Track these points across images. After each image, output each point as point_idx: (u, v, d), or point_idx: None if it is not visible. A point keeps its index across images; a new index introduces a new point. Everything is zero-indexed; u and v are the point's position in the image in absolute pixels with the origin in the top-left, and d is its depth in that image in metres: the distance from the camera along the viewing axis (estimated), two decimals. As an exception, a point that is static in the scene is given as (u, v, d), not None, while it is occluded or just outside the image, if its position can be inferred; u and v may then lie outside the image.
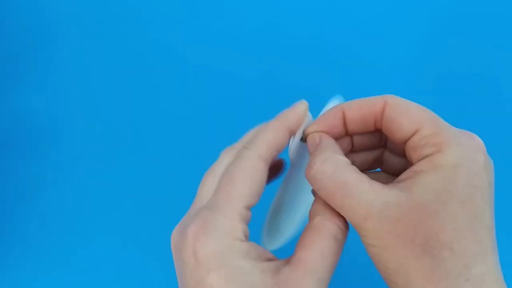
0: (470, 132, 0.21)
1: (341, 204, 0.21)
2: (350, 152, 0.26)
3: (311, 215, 0.23)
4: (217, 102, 0.46)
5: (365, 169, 0.27)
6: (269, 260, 0.21)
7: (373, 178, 0.21)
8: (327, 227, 0.22)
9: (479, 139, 0.21)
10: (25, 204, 0.43)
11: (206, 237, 0.20)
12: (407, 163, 0.23)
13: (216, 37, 0.49)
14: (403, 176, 0.21)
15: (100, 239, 0.42)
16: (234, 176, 0.22)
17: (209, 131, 0.45)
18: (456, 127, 0.22)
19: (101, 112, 0.46)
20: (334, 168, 0.21)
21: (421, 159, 0.21)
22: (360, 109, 0.23)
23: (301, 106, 0.24)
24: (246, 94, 0.46)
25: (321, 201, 0.22)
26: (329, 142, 0.23)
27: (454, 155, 0.20)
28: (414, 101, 0.23)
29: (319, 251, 0.21)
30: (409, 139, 0.21)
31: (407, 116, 0.21)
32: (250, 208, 0.22)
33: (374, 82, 0.47)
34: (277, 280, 0.20)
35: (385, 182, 0.22)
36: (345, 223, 0.22)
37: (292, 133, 0.24)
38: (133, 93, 0.47)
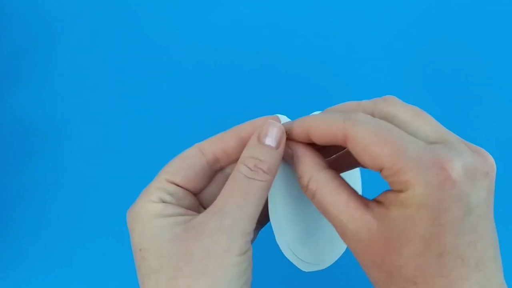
0: (443, 160, 0.19)
1: (328, 220, 0.22)
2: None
3: None
4: (216, 101, 0.46)
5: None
6: (190, 216, 0.23)
7: None
8: (237, 168, 0.23)
9: (453, 166, 0.19)
10: (25, 204, 0.43)
11: (132, 206, 0.23)
12: None
13: (216, 36, 0.49)
14: (380, 197, 0.21)
15: (100, 239, 0.42)
16: (172, 160, 0.24)
17: (210, 131, 0.45)
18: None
19: (101, 112, 0.46)
20: (315, 188, 0.22)
21: (393, 190, 0.20)
22: (323, 135, 0.22)
23: (264, 121, 0.24)
24: (244, 93, 0.46)
25: (247, 146, 0.24)
26: (306, 152, 0.23)
27: (417, 194, 0.19)
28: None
29: (226, 192, 0.22)
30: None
31: (368, 154, 0.20)
32: (173, 182, 0.23)
33: (371, 75, 0.47)
34: (187, 226, 0.22)
35: None
36: (259, 165, 0.23)
37: (244, 140, 0.24)
38: (132, 93, 0.47)
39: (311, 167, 0.23)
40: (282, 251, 0.24)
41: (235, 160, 0.24)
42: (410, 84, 0.47)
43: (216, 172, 0.25)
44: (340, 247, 0.27)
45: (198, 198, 0.25)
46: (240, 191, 0.22)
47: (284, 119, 0.25)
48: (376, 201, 0.21)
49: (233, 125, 0.42)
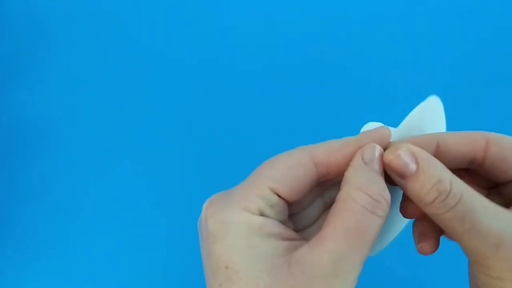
0: None
1: (469, 231, 0.19)
2: None
3: (341, 185, 0.20)
4: (215, 101, 0.46)
5: None
6: (290, 239, 0.20)
7: None
8: (353, 197, 0.19)
9: None
10: (24, 206, 0.43)
11: (218, 204, 0.20)
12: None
13: (217, 34, 0.48)
14: None
15: (100, 239, 0.42)
16: (274, 160, 0.21)
17: (209, 132, 0.45)
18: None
19: (99, 113, 0.46)
20: (462, 191, 0.19)
21: None
22: (458, 144, 0.20)
23: (382, 133, 0.21)
24: (244, 92, 0.46)
25: (352, 169, 0.20)
26: (435, 158, 0.20)
27: None
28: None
29: (341, 227, 0.18)
30: None
31: None
32: (276, 193, 0.20)
33: (379, 82, 0.47)
34: (289, 258, 0.18)
35: None
36: (382, 194, 0.19)
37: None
38: (129, 93, 0.46)
39: (446, 170, 0.19)
40: None
41: (342, 175, 0.21)
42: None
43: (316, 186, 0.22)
44: (386, 240, 0.25)
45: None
46: (358, 229, 0.18)
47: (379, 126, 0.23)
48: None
49: (235, 128, 0.41)
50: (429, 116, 0.24)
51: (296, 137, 0.43)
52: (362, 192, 0.19)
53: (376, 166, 0.20)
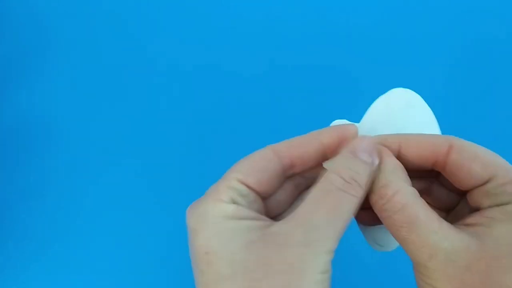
0: None
1: (406, 238, 0.20)
2: None
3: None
4: (215, 101, 0.46)
5: None
6: (264, 220, 0.21)
7: None
8: (329, 178, 0.21)
9: None
10: (24, 205, 0.43)
11: (195, 203, 0.21)
12: (456, 198, 0.23)
13: (217, 35, 0.48)
14: (471, 220, 0.20)
15: (99, 239, 0.42)
16: (242, 159, 0.22)
17: (206, 132, 0.45)
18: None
19: (99, 113, 0.46)
20: (405, 202, 0.20)
21: (494, 206, 0.20)
22: (420, 148, 0.22)
23: (346, 128, 0.23)
24: (244, 92, 0.46)
25: (336, 156, 0.22)
26: (397, 165, 0.22)
27: None
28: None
29: (314, 203, 0.20)
30: (479, 186, 0.21)
31: (479, 162, 0.20)
32: (244, 184, 0.21)
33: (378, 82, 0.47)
34: (263, 233, 0.20)
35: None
36: (354, 177, 0.21)
37: (325, 148, 0.23)
38: (128, 93, 0.46)
39: (401, 179, 0.21)
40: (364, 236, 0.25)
41: (309, 168, 0.23)
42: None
43: (286, 178, 0.24)
44: None
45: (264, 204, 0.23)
46: (330, 204, 0.20)
47: (345, 123, 0.24)
48: (466, 224, 0.20)
49: (238, 131, 0.41)
50: (400, 111, 0.25)
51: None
52: (337, 175, 0.21)
53: (365, 157, 0.21)
